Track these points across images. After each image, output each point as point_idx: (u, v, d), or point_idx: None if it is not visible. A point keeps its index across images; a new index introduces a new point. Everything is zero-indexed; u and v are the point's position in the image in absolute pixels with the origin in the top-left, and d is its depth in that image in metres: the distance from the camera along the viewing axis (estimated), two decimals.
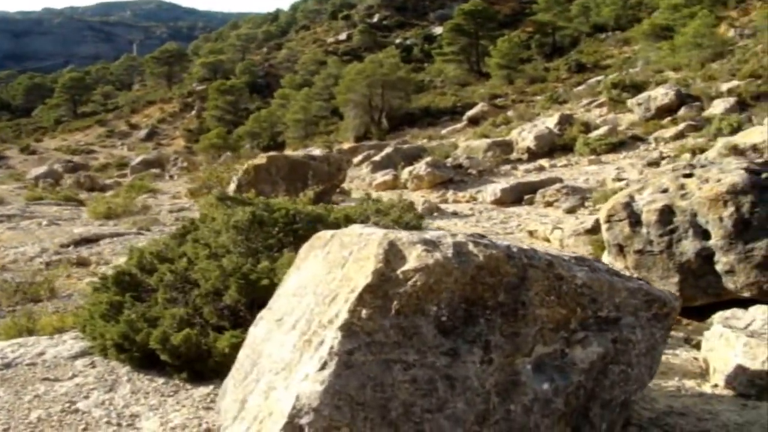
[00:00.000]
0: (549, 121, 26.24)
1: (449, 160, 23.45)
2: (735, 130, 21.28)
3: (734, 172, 7.55)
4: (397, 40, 67.58)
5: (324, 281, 4.18)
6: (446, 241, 3.57)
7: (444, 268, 3.42)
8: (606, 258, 8.09)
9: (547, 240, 11.44)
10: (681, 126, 22.97)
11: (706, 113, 23.56)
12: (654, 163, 20.51)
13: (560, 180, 18.50)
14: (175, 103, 61.83)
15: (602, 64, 39.46)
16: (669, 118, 24.19)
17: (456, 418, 3.44)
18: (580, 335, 3.77)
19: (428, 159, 22.39)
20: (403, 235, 3.61)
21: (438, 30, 64.35)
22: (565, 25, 52.35)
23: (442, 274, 3.42)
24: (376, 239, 3.62)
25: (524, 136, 24.94)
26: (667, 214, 7.61)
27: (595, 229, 10.02)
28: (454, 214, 17.05)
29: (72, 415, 5.44)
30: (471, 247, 3.55)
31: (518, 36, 48.96)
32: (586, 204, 16.44)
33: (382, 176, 23.21)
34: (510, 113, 35.03)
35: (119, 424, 5.28)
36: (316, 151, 18.33)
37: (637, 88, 27.47)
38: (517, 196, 17.96)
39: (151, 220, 16.67)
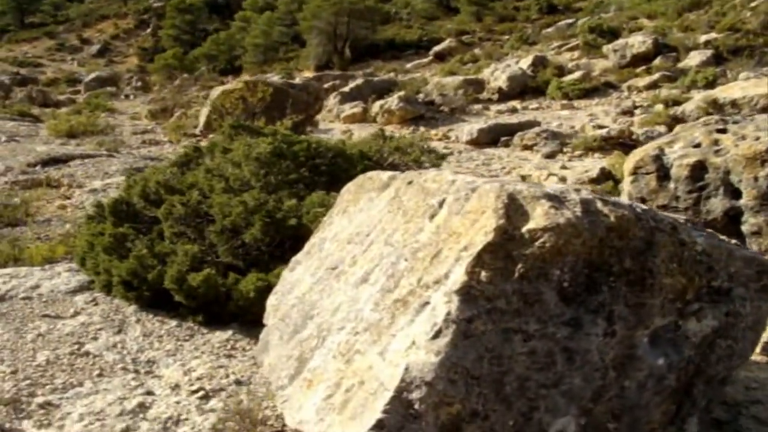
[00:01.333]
0: (522, 62, 25.81)
1: (420, 95, 22.92)
2: (710, 83, 21.15)
3: None
4: None
5: (401, 231, 3.76)
6: (572, 198, 3.16)
7: (575, 229, 3.03)
8: None
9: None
10: (655, 76, 22.72)
11: (681, 64, 23.34)
12: (628, 112, 20.28)
13: (537, 123, 18.15)
14: (130, 19, 59.41)
15: (574, 7, 38.91)
16: (644, 67, 23.92)
17: (572, 394, 3.09)
18: (695, 306, 3.44)
19: (400, 93, 21.84)
20: (522, 188, 3.19)
21: None
22: None
23: (571, 236, 3.03)
24: (491, 191, 3.20)
25: (496, 76, 24.48)
26: (699, 170, 7.29)
27: (599, 179, 9.71)
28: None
29: (83, 359, 4.97)
30: (600, 205, 3.16)
31: None
32: (565, 150, 16.17)
33: (350, 108, 22.60)
34: (477, 51, 34.47)
35: (137, 371, 4.83)
36: (293, 79, 17.62)
37: (613, 33, 27.09)
38: (494, 137, 17.58)
39: (118, 142, 15.91)
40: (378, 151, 7.27)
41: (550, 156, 15.64)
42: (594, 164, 13.23)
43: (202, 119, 16.44)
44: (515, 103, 23.05)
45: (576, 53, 28.75)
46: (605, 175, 9.80)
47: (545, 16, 38.38)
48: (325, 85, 27.37)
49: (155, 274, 5.69)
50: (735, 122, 7.83)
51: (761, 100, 17.28)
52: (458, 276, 3.03)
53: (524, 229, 3.04)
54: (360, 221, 4.52)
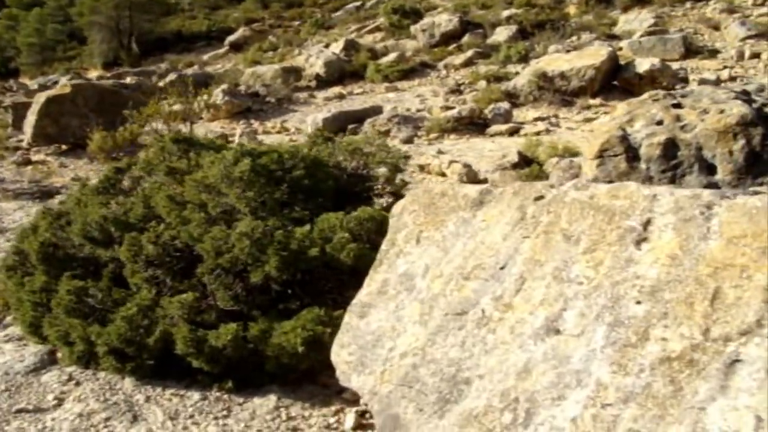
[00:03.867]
0: (334, 47, 25.03)
1: (241, 88, 21.58)
2: (522, 57, 21.45)
3: (737, 103, 6.93)
4: None
5: (583, 263, 2.97)
6: None
7: None
8: None
9: (443, 175, 10.43)
10: (469, 53, 22.77)
11: (490, 40, 23.52)
12: (456, 91, 20.16)
13: (380, 108, 17.49)
14: None
15: None
16: (454, 45, 23.91)
17: None
18: None
19: (224, 86, 20.41)
20: None
21: None
22: None
23: None
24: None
25: (312, 62, 23.59)
26: (670, 147, 6.87)
27: (520, 164, 9.17)
28: None
29: None
30: None
31: None
32: (419, 133, 15.66)
33: (169, 105, 20.85)
34: (273, 39, 33.32)
35: None
36: (126, 79, 15.83)
37: (417, 14, 26.88)
38: (340, 125, 16.72)
39: None
40: (330, 155, 6.23)
41: (409, 141, 15.04)
42: (472, 146, 12.73)
43: (29, 129, 14.34)
44: (338, 89, 22.28)
45: (379, 35, 28.38)
46: (525, 160, 9.29)
47: (332, 1, 37.73)
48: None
49: (158, 337, 4.43)
50: (683, 96, 7.51)
51: (588, 70, 17.55)
52: None
53: None
54: (468, 250, 3.61)
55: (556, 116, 16.74)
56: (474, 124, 15.75)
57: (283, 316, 4.82)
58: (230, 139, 17.12)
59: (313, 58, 23.76)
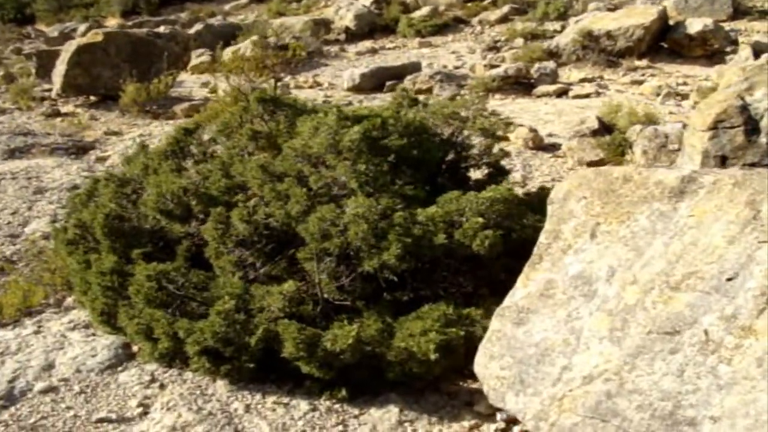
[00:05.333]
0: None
1: (271, 40, 20.64)
2: (561, 15, 20.53)
3: None
4: None
5: None
6: None
7: None
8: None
9: (506, 139, 9.63)
10: (504, 9, 21.82)
11: None
12: (494, 48, 19.24)
13: (419, 65, 16.60)
14: None
15: None
16: (489, 0, 22.90)
17: None
18: None
19: (254, 38, 19.47)
20: None
21: None
22: None
23: None
24: None
25: (342, 15, 22.62)
26: None
27: (600, 130, 8.38)
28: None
29: None
30: None
31: None
32: (462, 92, 14.81)
33: (197, 57, 19.97)
34: None
35: None
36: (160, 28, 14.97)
37: None
38: (377, 82, 15.88)
39: None
40: (422, 120, 5.44)
41: (452, 99, 14.17)
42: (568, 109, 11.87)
43: (58, 79, 13.52)
44: (369, 43, 21.36)
45: None
46: (605, 127, 8.50)
47: None
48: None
49: (260, 337, 3.72)
50: None
51: (637, 30, 16.62)
52: None
53: None
54: (673, 253, 2.89)
55: (601, 77, 15.89)
56: (519, 84, 14.92)
57: (395, 310, 4.11)
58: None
59: (343, 11, 22.77)
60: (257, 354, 3.80)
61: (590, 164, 8.24)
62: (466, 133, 5.62)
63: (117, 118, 13.03)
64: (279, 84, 6.26)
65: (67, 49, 13.54)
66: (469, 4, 23.01)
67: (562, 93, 14.23)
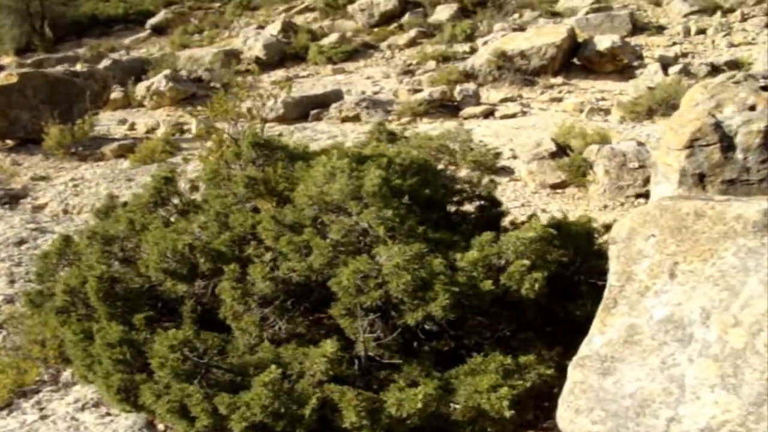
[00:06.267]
0: (271, 29, 23.68)
1: (183, 73, 20.07)
2: (468, 36, 20.68)
3: None
4: None
5: None
6: None
7: None
8: (670, 189, 6.43)
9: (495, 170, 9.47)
10: (411, 33, 21.91)
11: (431, 19, 22.65)
12: (408, 71, 19.23)
13: (340, 92, 16.39)
14: None
15: None
16: (395, 25, 22.96)
17: None
18: None
19: (167, 72, 18.85)
20: None
21: None
22: None
23: None
24: None
25: (251, 45, 22.22)
26: None
27: (558, 152, 8.31)
28: None
29: None
30: None
31: None
32: (390, 117, 14.67)
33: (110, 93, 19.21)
34: (195, 21, 31.64)
35: None
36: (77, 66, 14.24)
37: None
38: (303, 111, 15.59)
39: None
40: (428, 161, 5.21)
41: (380, 125, 13.99)
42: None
43: None
44: (282, 72, 21.04)
45: (310, 15, 27.13)
46: (561, 148, 8.42)
47: None
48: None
49: (315, 406, 3.38)
50: (765, 77, 6.77)
51: (549, 49, 16.88)
52: None
53: None
54: None
55: (520, 96, 16.05)
56: (444, 107, 14.91)
57: (436, 361, 3.84)
58: (185, 128, 15.78)
59: (251, 41, 22.37)
60: (312, 425, 3.46)
61: (553, 186, 8.16)
62: (461, 165, 5.42)
63: (41, 161, 12.29)
64: (265, 126, 5.90)
65: None
66: (376, 30, 22.99)
67: (488, 114, 14.27)
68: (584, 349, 3.25)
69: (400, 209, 4.13)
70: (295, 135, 13.85)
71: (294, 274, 3.94)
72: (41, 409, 4.12)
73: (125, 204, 5.40)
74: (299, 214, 4.17)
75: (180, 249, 4.17)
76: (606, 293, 3.27)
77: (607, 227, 6.02)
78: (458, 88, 15.28)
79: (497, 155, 5.80)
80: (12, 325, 5.27)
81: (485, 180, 5.55)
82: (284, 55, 22.01)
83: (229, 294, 3.94)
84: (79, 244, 5.06)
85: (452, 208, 5.33)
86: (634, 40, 18.71)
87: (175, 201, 5.14)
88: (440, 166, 5.33)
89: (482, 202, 5.46)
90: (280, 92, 7.19)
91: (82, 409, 4.11)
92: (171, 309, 4.49)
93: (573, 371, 3.24)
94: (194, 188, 5.33)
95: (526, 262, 3.75)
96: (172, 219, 4.94)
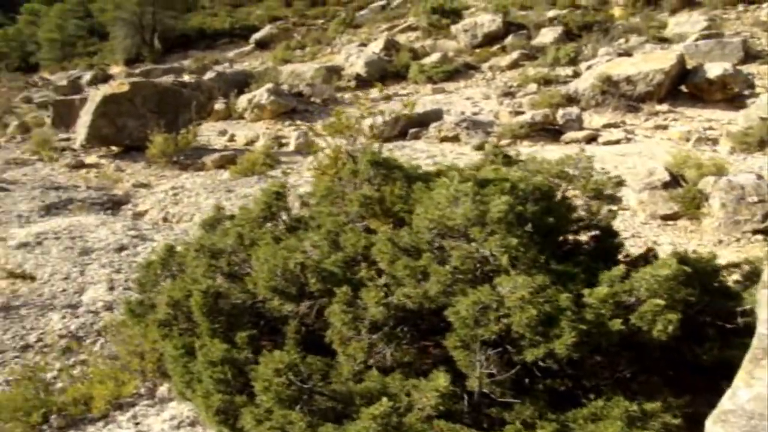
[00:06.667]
0: (373, 46, 23.65)
1: (284, 87, 20.14)
2: (572, 60, 20.13)
3: None
4: None
5: None
6: None
7: None
8: None
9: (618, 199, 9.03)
10: (514, 55, 21.46)
11: (535, 42, 22.19)
12: (509, 93, 18.83)
13: (441, 112, 16.10)
14: None
15: None
16: (497, 46, 22.59)
17: None
18: None
19: (269, 86, 18.96)
20: None
21: None
22: None
23: None
24: None
25: (352, 62, 22.21)
26: None
27: (671, 183, 7.82)
28: None
29: None
30: None
31: None
32: (490, 139, 14.30)
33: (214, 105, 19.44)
34: (298, 37, 31.97)
35: None
36: (185, 77, 14.41)
37: (456, 14, 25.50)
38: (402, 129, 15.34)
39: None
40: (551, 187, 4.85)
41: (480, 148, 13.69)
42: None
43: (83, 130, 12.88)
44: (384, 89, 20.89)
45: (412, 35, 27.02)
46: (674, 178, 7.94)
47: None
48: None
49: None
50: None
51: (656, 75, 16.22)
52: None
53: None
54: None
55: (623, 122, 15.43)
56: (546, 130, 14.45)
57: (554, 403, 3.49)
58: (283, 141, 15.75)
59: (354, 57, 22.38)
60: None
61: (665, 218, 7.68)
62: (579, 193, 5.05)
63: (143, 169, 12.41)
64: (382, 145, 5.67)
65: (93, 99, 12.94)
66: (478, 50, 22.70)
67: (591, 139, 13.76)
68: (727, 402, 2.86)
69: (523, 237, 3.80)
70: (393, 153, 13.66)
71: (408, 300, 3.65)
72: (137, 424, 3.95)
73: (232, 217, 5.23)
74: (416, 237, 3.88)
75: (291, 268, 3.93)
76: (755, 342, 2.88)
77: (735, 265, 5.54)
78: (561, 111, 14.80)
79: (619, 183, 5.35)
80: (111, 333, 5.14)
81: (604, 209, 5.15)
82: (385, 72, 21.91)
83: (339, 318, 3.68)
84: (185, 255, 4.90)
85: (568, 237, 4.96)
86: (745, 68, 17.85)
87: (284, 216, 4.93)
88: (560, 194, 4.91)
89: (597, 232, 5.07)
90: (403, 110, 6.95)
91: (178, 427, 3.91)
92: (273, 327, 4.27)
93: (713, 427, 2.85)
94: (304, 204, 5.11)
95: (660, 301, 3.37)
96: (281, 235, 4.72)
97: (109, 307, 5.80)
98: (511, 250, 3.60)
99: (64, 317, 5.58)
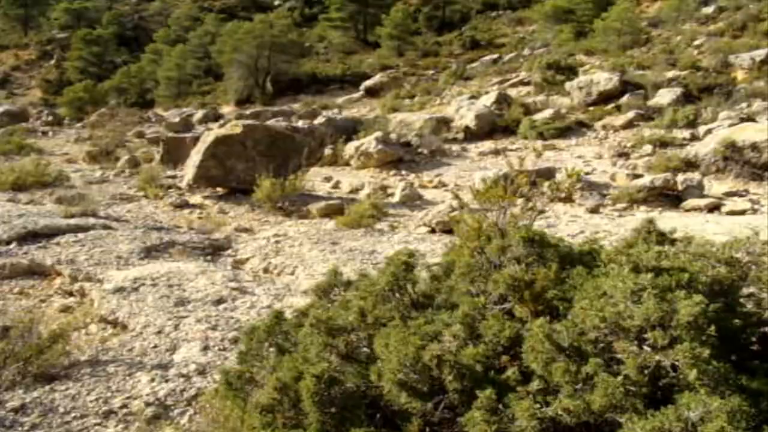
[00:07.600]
0: (485, 99, 22.98)
1: (393, 136, 19.62)
2: (690, 122, 18.97)
3: None
4: (276, 2, 60.07)
5: None
6: None
7: None
8: None
9: None
10: (629, 114, 20.41)
11: (651, 102, 21.10)
12: (623, 154, 17.83)
13: (554, 170, 15.24)
14: (32, 50, 52.27)
15: (496, 42, 36.49)
16: (612, 105, 21.59)
17: None
18: None
19: (378, 134, 18.49)
20: None
21: None
22: None
23: None
24: None
25: (462, 114, 21.59)
26: None
27: None
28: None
29: None
30: None
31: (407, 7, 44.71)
32: (605, 202, 13.34)
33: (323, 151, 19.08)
34: (407, 86, 31.65)
35: None
36: (299, 122, 14.03)
37: (571, 70, 24.65)
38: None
39: (84, 199, 11.86)
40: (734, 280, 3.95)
41: (595, 210, 12.77)
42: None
43: (191, 170, 12.55)
44: (490, 143, 20.18)
45: (523, 89, 26.28)
46: None
47: (468, 52, 35.91)
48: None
49: None
50: None
51: None
52: None
53: None
54: None
55: (746, 191, 14.21)
56: (665, 196, 13.38)
57: None
58: (389, 191, 15.12)
59: (464, 110, 21.78)
60: None
61: None
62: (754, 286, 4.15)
63: (246, 212, 11.97)
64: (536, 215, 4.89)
65: (205, 140, 12.62)
66: (592, 108, 21.76)
67: (713, 208, 12.61)
68: None
69: (714, 347, 2.96)
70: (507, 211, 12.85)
71: (566, 414, 2.87)
72: None
73: (349, 283, 4.54)
74: (578, 336, 3.10)
75: (426, 361, 3.20)
76: None
77: None
78: (681, 177, 13.73)
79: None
80: (201, 404, 4.51)
81: None
82: (494, 126, 21.25)
83: (480, 429, 2.92)
84: (293, 323, 4.24)
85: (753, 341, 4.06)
86: None
87: (410, 289, 4.20)
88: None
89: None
90: (569, 181, 6.14)
91: None
92: (389, 420, 3.53)
93: None
94: (434, 279, 4.37)
95: None
96: (407, 312, 3.99)
97: (202, 371, 5.17)
98: (700, 363, 2.78)
99: (152, 380, 4.97)
